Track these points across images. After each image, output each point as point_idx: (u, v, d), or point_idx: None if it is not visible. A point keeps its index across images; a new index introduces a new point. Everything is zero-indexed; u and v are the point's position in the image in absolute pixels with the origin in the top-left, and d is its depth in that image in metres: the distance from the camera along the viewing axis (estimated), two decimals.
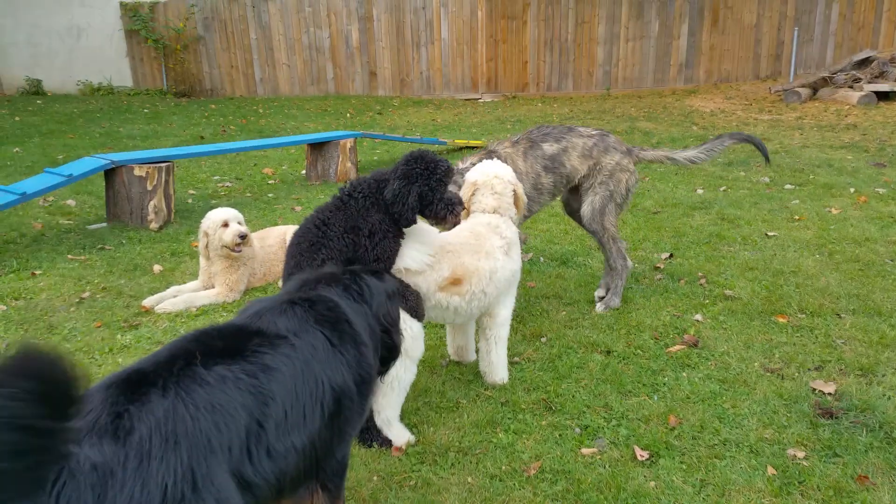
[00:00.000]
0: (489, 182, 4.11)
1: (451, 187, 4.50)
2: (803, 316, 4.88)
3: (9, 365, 1.47)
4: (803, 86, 15.24)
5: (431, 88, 18.59)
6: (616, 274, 5.15)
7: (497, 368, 4.09)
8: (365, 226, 3.49)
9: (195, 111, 16.11)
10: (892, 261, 5.84)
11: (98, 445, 1.67)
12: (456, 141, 12.00)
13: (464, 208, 3.80)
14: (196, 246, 6.37)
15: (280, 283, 4.40)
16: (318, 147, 9.54)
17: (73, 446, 1.62)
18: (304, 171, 10.05)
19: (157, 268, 6.14)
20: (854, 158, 9.87)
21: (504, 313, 4.07)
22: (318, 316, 2.36)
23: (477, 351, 4.39)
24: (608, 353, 4.46)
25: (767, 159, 5.46)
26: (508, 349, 4.24)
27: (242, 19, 18.48)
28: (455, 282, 3.75)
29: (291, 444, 2.08)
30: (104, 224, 7.41)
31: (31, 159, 10.68)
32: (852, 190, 8.12)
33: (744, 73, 17.82)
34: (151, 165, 7.26)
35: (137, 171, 7.18)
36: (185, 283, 5.76)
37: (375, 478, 3.30)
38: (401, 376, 3.56)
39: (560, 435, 3.60)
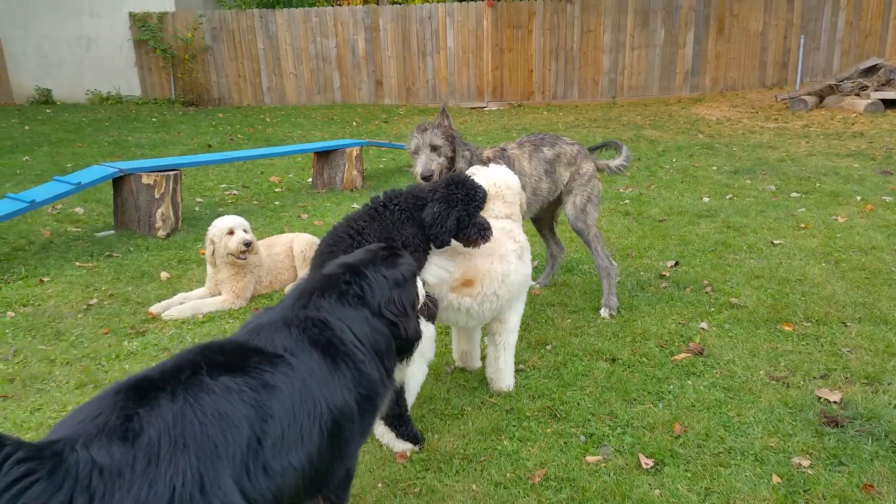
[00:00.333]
0: (501, 192, 4.16)
1: (462, 163, 4.72)
2: (809, 324, 4.88)
3: None
4: (809, 94, 15.23)
5: (437, 97, 18.65)
6: (605, 273, 5.32)
7: (504, 375, 4.11)
8: (399, 238, 3.55)
9: (203, 120, 16.19)
10: None
11: (107, 447, 1.68)
12: None
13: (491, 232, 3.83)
14: (203, 253, 6.41)
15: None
16: (324, 155, 9.58)
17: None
18: (310, 180, 10.08)
19: (164, 275, 6.17)
20: (861, 166, 9.86)
21: (514, 319, 4.11)
22: (311, 339, 2.32)
23: (483, 358, 4.41)
24: (613, 360, 4.47)
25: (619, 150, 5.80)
26: (514, 357, 4.25)
27: (250, 29, 18.58)
28: (467, 283, 3.78)
29: (289, 463, 2.07)
30: (112, 231, 7.45)
31: (40, 167, 10.74)
32: (859, 198, 8.11)
33: (750, 82, 17.82)
34: (159, 173, 7.30)
35: (145, 180, 7.22)
36: (191, 290, 5.78)
37: (380, 485, 3.31)
38: (413, 375, 3.60)
39: (565, 443, 3.60)
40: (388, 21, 18.21)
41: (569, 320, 5.12)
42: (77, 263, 6.42)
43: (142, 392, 1.85)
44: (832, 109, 14.65)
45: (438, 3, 18.45)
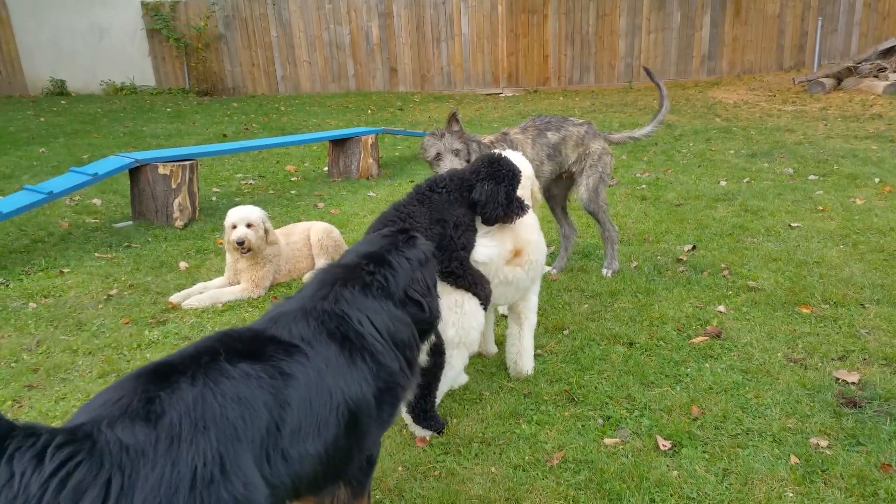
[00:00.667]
0: None
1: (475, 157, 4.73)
2: (827, 306, 4.86)
3: None
4: (827, 76, 15.08)
5: (452, 84, 18.61)
6: (610, 241, 5.69)
7: (527, 355, 4.15)
8: (450, 218, 3.66)
9: (217, 109, 16.24)
10: None
11: (130, 428, 1.72)
12: None
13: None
14: (220, 243, 6.46)
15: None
16: (339, 144, 9.60)
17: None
18: (326, 168, 10.11)
19: (182, 265, 6.22)
20: (879, 148, 9.77)
21: (534, 298, 4.22)
22: (329, 331, 2.33)
23: (500, 344, 4.44)
24: (631, 344, 4.48)
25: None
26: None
27: (263, 17, 18.59)
28: (517, 253, 3.93)
29: (306, 451, 2.09)
30: (130, 222, 7.51)
31: (56, 159, 10.83)
32: (877, 180, 8.05)
33: (767, 64, 17.66)
34: (175, 164, 7.35)
35: (162, 170, 7.27)
36: (210, 279, 5.83)
37: (400, 468, 3.34)
38: (453, 363, 3.69)
39: (583, 426, 3.62)
40: (402, 7, 18.16)
41: (586, 305, 5.13)
42: (96, 254, 6.48)
43: (162, 376, 1.89)
44: (850, 91, 14.51)
45: None
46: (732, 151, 10.14)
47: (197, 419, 1.80)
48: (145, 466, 1.68)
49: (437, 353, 3.51)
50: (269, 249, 5.65)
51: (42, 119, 14.73)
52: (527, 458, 3.37)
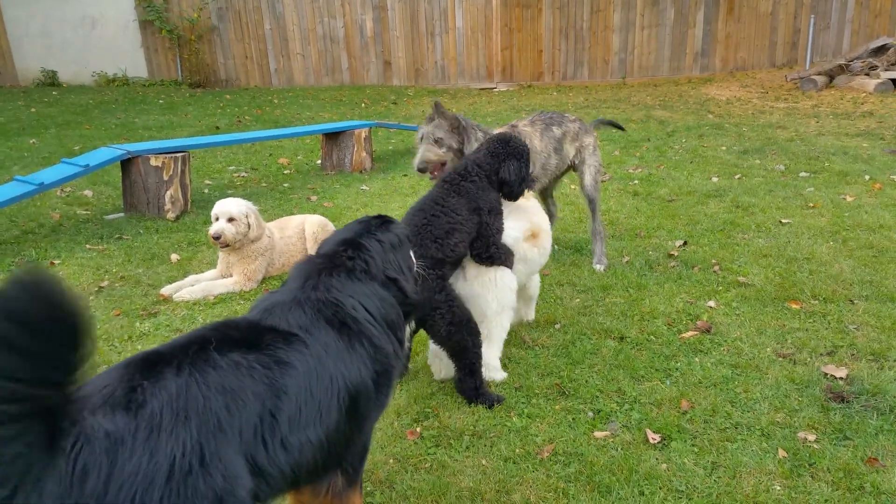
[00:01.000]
0: None
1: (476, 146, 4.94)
2: (816, 302, 4.90)
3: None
4: (819, 73, 15.15)
5: (446, 78, 18.60)
6: (600, 237, 5.84)
7: (532, 310, 4.78)
8: (485, 205, 3.86)
9: (210, 102, 16.20)
10: None
11: (111, 416, 1.73)
12: None
13: None
14: None
15: None
16: (333, 137, 9.60)
17: (82, 409, 1.69)
18: (319, 161, 10.11)
19: (174, 257, 6.22)
20: (870, 146, 9.82)
21: (538, 278, 4.73)
22: (326, 318, 2.34)
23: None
24: (621, 339, 4.50)
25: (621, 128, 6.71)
26: (522, 336, 4.37)
27: (257, 9, 18.53)
28: (534, 235, 4.32)
29: (307, 438, 2.11)
30: (121, 214, 7.49)
31: (47, 150, 10.78)
32: (867, 177, 8.10)
33: (760, 61, 17.72)
34: (167, 156, 7.33)
35: (153, 162, 7.25)
36: (202, 271, 5.83)
37: (392, 461, 3.35)
38: (504, 324, 4.05)
39: (573, 419, 3.64)
40: (396, 0, 18.13)
41: (577, 300, 5.15)
42: (87, 246, 6.47)
43: (149, 365, 1.90)
44: (842, 89, 14.57)
45: None
46: (724, 148, 10.17)
47: (179, 409, 1.80)
48: (123, 455, 1.69)
49: (473, 333, 3.74)
50: (260, 242, 5.65)
51: (33, 110, 14.66)
52: (517, 450, 3.39)
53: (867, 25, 17.00)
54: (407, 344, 3.01)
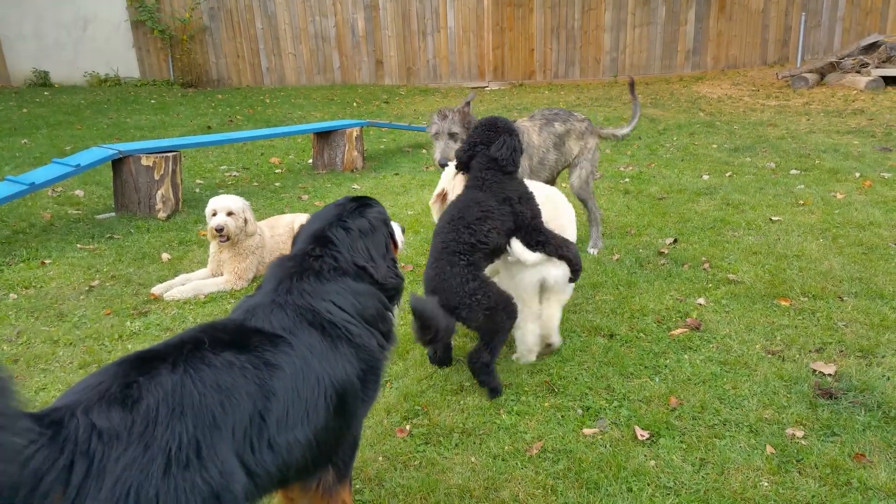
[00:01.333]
0: None
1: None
2: (805, 299, 4.91)
3: None
4: (811, 71, 15.18)
5: (438, 77, 18.59)
6: (595, 222, 6.06)
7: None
8: (513, 193, 3.95)
9: (202, 101, 16.16)
10: (895, 244, 5.85)
11: (106, 412, 1.74)
12: None
13: None
14: (203, 235, 6.45)
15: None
16: (324, 136, 9.59)
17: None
18: (310, 161, 10.10)
19: (165, 256, 6.21)
20: (860, 143, 9.86)
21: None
22: (308, 321, 2.35)
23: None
24: (611, 336, 4.51)
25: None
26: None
27: (248, 9, 18.50)
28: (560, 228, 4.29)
29: (294, 438, 2.12)
30: (112, 213, 7.48)
31: (39, 150, 10.75)
32: (858, 175, 8.12)
33: (751, 59, 17.75)
34: (158, 155, 7.32)
35: (145, 161, 7.24)
36: (193, 270, 5.82)
37: (381, 458, 3.36)
38: (553, 317, 4.19)
39: (562, 416, 3.65)
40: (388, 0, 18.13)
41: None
42: (78, 245, 6.45)
43: (144, 363, 1.91)
44: (833, 87, 14.62)
45: None
46: (715, 146, 10.19)
47: (174, 405, 1.82)
48: (118, 449, 1.69)
49: (511, 315, 3.86)
50: (251, 241, 5.65)
51: (25, 110, 14.61)
52: (506, 447, 3.40)
53: (858, 23, 17.05)
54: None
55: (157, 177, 7.28)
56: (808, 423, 3.47)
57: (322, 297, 2.43)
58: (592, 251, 5.99)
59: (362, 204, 2.81)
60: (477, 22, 17.97)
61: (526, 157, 5.40)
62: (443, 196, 4.41)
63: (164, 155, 7.35)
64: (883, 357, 4.06)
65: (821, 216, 6.66)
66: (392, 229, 2.89)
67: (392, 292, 2.72)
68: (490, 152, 3.98)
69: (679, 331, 4.50)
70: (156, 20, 18.38)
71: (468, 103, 5.31)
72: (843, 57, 15.13)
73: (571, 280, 4.12)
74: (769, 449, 3.28)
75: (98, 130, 12.56)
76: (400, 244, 2.98)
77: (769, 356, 4.15)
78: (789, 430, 3.41)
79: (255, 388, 2.03)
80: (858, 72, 14.52)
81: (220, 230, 5.45)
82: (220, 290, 5.51)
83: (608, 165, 9.28)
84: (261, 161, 10.37)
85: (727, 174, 8.52)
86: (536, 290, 4.11)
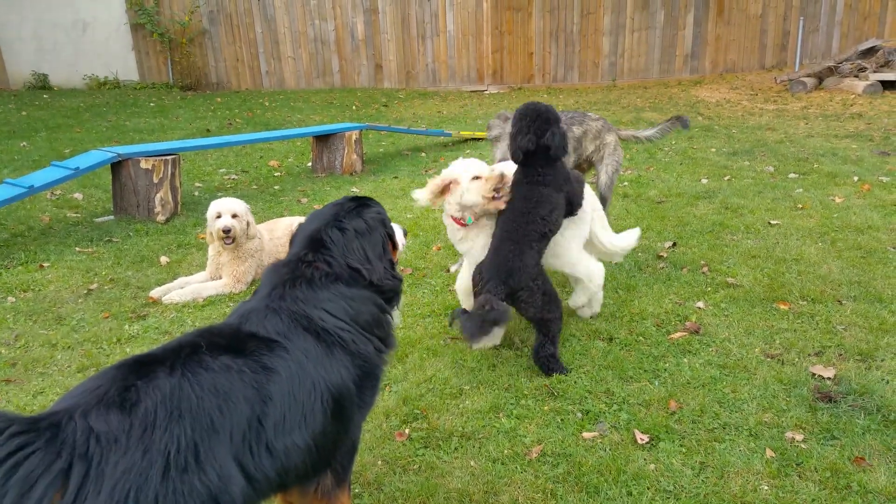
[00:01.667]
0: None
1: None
2: (804, 303, 4.91)
3: None
4: (809, 75, 15.21)
5: (437, 80, 18.60)
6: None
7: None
8: (563, 178, 4.26)
9: (201, 104, 16.16)
10: (893, 248, 5.86)
11: (104, 416, 1.73)
12: (461, 132, 12.04)
13: None
14: (202, 238, 6.44)
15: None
16: (323, 139, 9.59)
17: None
18: (309, 164, 10.10)
19: (163, 259, 6.20)
20: (858, 147, 9.87)
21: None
22: (303, 326, 2.34)
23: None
24: (610, 340, 4.51)
25: (686, 126, 6.53)
26: (511, 337, 4.36)
27: (248, 12, 18.51)
28: None
29: (292, 443, 2.11)
30: (111, 217, 7.47)
31: (38, 153, 10.74)
32: (856, 178, 8.13)
33: (749, 64, 17.78)
34: (158, 158, 7.31)
35: (144, 164, 7.23)
36: (192, 274, 5.82)
37: (380, 462, 3.36)
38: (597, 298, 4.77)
39: (562, 420, 3.65)
40: (387, 3, 18.12)
41: (567, 301, 5.15)
42: (77, 249, 6.45)
43: (142, 367, 1.91)
44: (831, 91, 14.64)
45: None
46: (714, 149, 10.21)
47: (172, 408, 1.81)
48: (116, 453, 1.69)
49: (559, 305, 4.18)
50: (251, 244, 5.65)
51: (24, 113, 14.61)
52: (506, 451, 3.40)
53: (856, 28, 17.08)
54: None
55: (156, 180, 7.27)
56: (807, 427, 3.47)
57: (314, 304, 2.42)
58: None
59: (360, 204, 2.79)
60: (476, 26, 17.99)
61: None
62: (446, 187, 4.36)
63: (164, 158, 7.35)
64: (882, 360, 4.06)
65: (819, 220, 6.67)
66: (391, 230, 2.87)
67: (390, 294, 2.70)
68: (544, 141, 4.18)
69: (678, 334, 4.50)
70: (155, 23, 18.40)
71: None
72: (841, 61, 15.16)
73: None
74: (769, 452, 3.28)
75: (97, 133, 12.56)
76: (400, 246, 2.96)
77: (768, 360, 4.15)
78: (789, 434, 3.41)
79: (253, 392, 2.02)
80: (856, 76, 14.55)
81: (227, 231, 5.45)
82: (218, 294, 5.50)
83: None
84: (260, 164, 10.37)
85: (726, 178, 8.53)
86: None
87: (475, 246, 4.41)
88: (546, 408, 3.76)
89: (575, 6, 17.74)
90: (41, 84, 18.73)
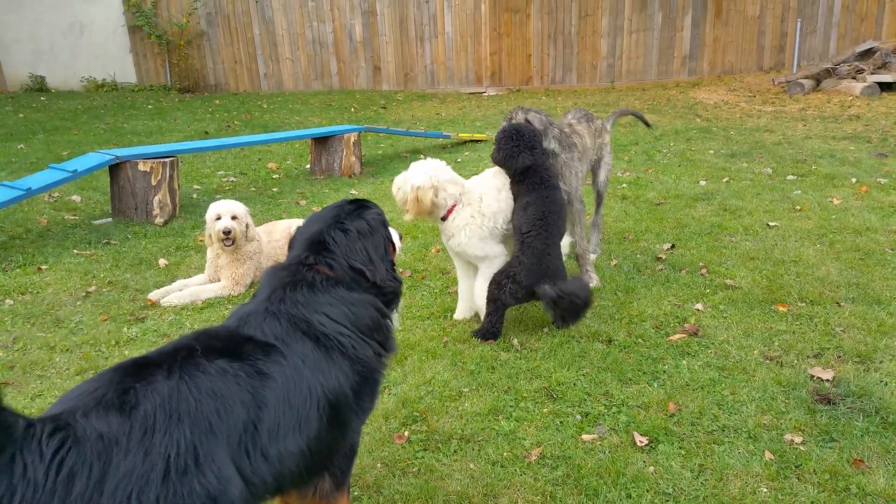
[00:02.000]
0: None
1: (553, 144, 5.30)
2: (803, 304, 4.92)
3: None
4: (807, 77, 15.22)
5: (435, 82, 18.61)
6: (598, 229, 6.15)
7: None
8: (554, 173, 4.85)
9: (199, 107, 16.16)
10: (892, 250, 5.87)
11: (104, 418, 1.74)
12: (460, 134, 12.04)
13: None
14: (201, 240, 6.44)
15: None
16: (322, 141, 9.59)
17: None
18: (308, 166, 10.10)
19: (162, 262, 6.20)
20: (856, 149, 9.88)
21: None
22: (302, 331, 2.33)
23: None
24: (609, 342, 4.51)
25: (647, 124, 7.05)
26: (510, 339, 4.35)
27: (246, 14, 18.51)
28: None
29: (287, 449, 2.11)
30: (109, 219, 7.47)
31: (35, 156, 10.74)
32: (854, 180, 8.14)
33: (747, 65, 17.80)
34: (156, 160, 7.31)
35: (142, 167, 7.23)
36: (190, 276, 5.81)
37: (379, 465, 3.35)
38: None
39: (561, 422, 3.65)
40: (386, 5, 18.13)
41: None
42: (75, 251, 6.44)
43: (139, 369, 1.91)
44: (829, 93, 14.65)
45: None
46: (712, 151, 10.21)
47: (171, 411, 1.82)
48: (118, 455, 1.69)
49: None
50: (249, 246, 5.65)
51: (21, 115, 14.60)
52: (505, 454, 3.40)
53: (854, 29, 17.10)
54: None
55: (154, 182, 7.27)
56: (806, 429, 3.47)
57: (315, 308, 2.40)
58: (591, 256, 5.92)
59: (360, 206, 2.77)
60: (474, 28, 18.00)
61: (586, 161, 5.63)
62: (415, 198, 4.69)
63: (162, 160, 7.35)
64: (881, 362, 4.07)
65: (818, 221, 6.67)
66: (389, 233, 2.88)
67: (390, 296, 2.69)
68: (535, 157, 4.72)
69: (677, 336, 4.51)
70: (153, 25, 18.39)
71: (526, 119, 5.28)
72: (838, 63, 15.17)
73: None
74: (768, 455, 3.28)
75: (95, 136, 12.55)
76: (398, 248, 2.97)
77: (767, 362, 4.16)
78: (788, 436, 3.41)
79: (249, 397, 2.02)
80: (854, 78, 14.57)
81: (227, 233, 5.45)
82: (217, 296, 5.50)
83: None
84: (258, 166, 10.37)
85: (724, 180, 8.53)
86: None
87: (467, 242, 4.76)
88: (545, 410, 3.76)
89: (573, 8, 17.75)
90: (38, 86, 18.73)
